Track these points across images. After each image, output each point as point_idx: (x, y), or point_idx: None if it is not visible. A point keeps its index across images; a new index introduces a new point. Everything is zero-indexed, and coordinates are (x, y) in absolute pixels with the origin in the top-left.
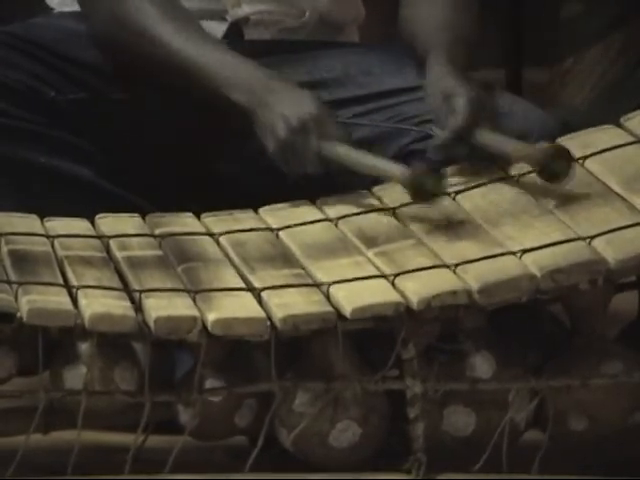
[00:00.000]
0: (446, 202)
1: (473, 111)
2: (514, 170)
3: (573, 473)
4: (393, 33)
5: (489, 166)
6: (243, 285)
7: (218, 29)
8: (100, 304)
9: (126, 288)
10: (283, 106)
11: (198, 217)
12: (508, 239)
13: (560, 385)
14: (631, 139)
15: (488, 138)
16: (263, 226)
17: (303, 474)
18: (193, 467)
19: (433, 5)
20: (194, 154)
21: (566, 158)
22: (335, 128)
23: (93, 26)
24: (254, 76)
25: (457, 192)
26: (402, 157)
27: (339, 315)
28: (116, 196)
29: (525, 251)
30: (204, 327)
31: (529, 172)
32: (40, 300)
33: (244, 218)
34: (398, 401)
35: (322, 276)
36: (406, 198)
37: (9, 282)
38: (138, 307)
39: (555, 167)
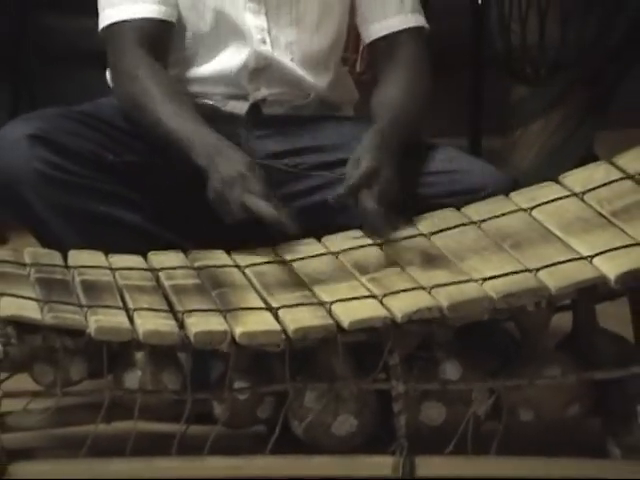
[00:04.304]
0: (423, 241)
1: (365, 176)
2: (476, 217)
3: (523, 454)
4: None
5: (457, 215)
6: (263, 305)
7: (242, 107)
8: (151, 323)
9: (172, 310)
10: (222, 166)
11: (228, 253)
12: (472, 269)
13: (512, 385)
14: (567, 193)
15: (364, 201)
16: (279, 259)
17: (311, 456)
18: (225, 450)
19: (388, 90)
20: None
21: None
22: (258, 185)
23: (119, 103)
24: (211, 144)
25: (432, 233)
26: None
27: (339, 327)
28: (161, 237)
29: (485, 279)
30: (233, 339)
31: (489, 218)
32: (104, 320)
33: (264, 253)
34: (386, 398)
35: (325, 297)
36: (392, 236)
37: (80, 305)
38: (181, 324)
39: None
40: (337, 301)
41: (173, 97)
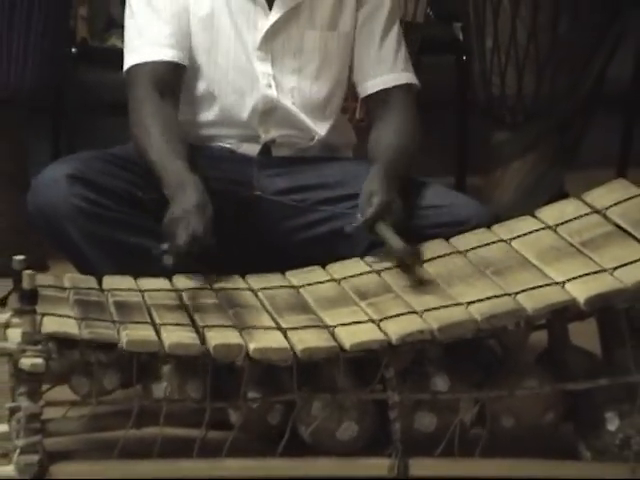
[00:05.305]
0: (417, 268)
1: (381, 209)
2: (462, 247)
3: (504, 457)
4: None
5: (445, 245)
6: (274, 325)
7: (254, 149)
8: (176, 336)
9: (194, 325)
10: (177, 202)
11: (243, 278)
12: (458, 295)
13: (495, 395)
14: (542, 226)
15: (383, 230)
16: (288, 284)
17: (316, 458)
18: (240, 452)
19: (385, 134)
20: (241, 234)
21: (417, 260)
22: (199, 225)
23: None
24: (177, 180)
25: (424, 261)
26: None
27: (341, 348)
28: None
29: (470, 303)
30: (247, 354)
31: (472, 248)
32: (134, 333)
33: (275, 279)
34: (383, 407)
35: (329, 320)
36: (389, 264)
37: (113, 321)
38: (202, 338)
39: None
40: (339, 325)
41: (164, 132)
